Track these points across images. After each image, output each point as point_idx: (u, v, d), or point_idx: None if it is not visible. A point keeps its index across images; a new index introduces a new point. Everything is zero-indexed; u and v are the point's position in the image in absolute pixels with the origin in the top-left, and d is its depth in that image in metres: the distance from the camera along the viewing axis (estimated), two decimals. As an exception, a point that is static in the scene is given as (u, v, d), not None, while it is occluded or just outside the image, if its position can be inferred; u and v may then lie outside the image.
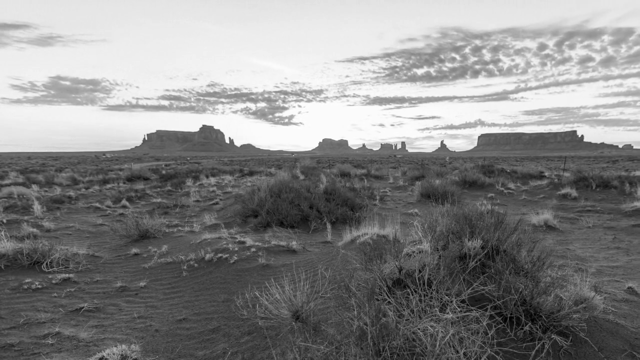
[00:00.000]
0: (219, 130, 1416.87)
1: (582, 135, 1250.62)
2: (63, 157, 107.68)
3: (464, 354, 3.09)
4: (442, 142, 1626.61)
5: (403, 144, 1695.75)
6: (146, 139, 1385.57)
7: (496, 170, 27.01)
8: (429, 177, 23.10)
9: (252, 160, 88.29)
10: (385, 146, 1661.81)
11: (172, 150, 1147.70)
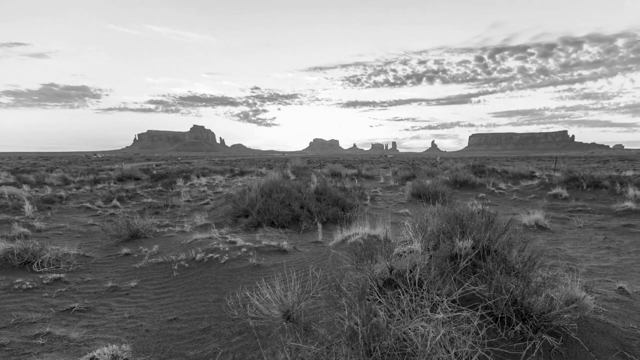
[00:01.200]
0: (209, 130, 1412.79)
1: (573, 135, 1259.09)
2: (54, 157, 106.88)
3: (455, 354, 3.09)
4: (432, 142, 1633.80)
5: (394, 143, 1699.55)
6: (137, 139, 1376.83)
7: (487, 170, 27.06)
8: (420, 177, 23.10)
9: (242, 160, 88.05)
10: (376, 146, 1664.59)
11: (163, 150, 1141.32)
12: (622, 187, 16.80)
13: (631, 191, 15.33)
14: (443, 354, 3.02)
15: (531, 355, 3.47)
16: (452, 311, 3.47)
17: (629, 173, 22.37)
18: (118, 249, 9.10)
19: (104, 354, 4.00)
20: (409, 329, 3.19)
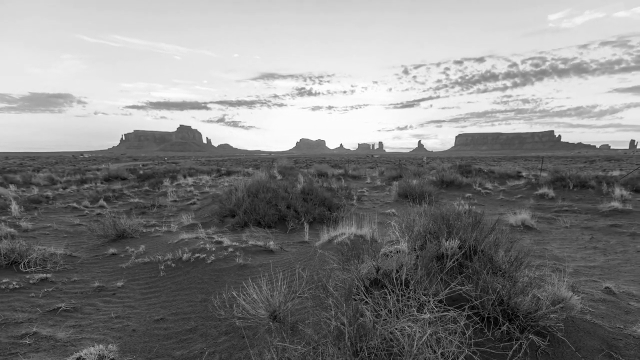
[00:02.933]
0: (196, 130, 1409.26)
1: (560, 136, 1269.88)
2: (41, 157, 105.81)
3: (442, 354, 3.09)
4: (419, 141, 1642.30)
5: (380, 143, 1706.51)
6: (124, 139, 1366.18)
7: (473, 170, 27.14)
8: (407, 177, 23.12)
9: (229, 160, 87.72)
10: (362, 146, 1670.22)
11: (150, 151, 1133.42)
12: (608, 187, 17.00)
13: (618, 191, 15.51)
14: (430, 354, 3.01)
15: (518, 355, 3.47)
16: (438, 311, 3.46)
17: (616, 173, 22.62)
18: (105, 249, 9.05)
19: (91, 354, 3.99)
20: (396, 329, 3.18)
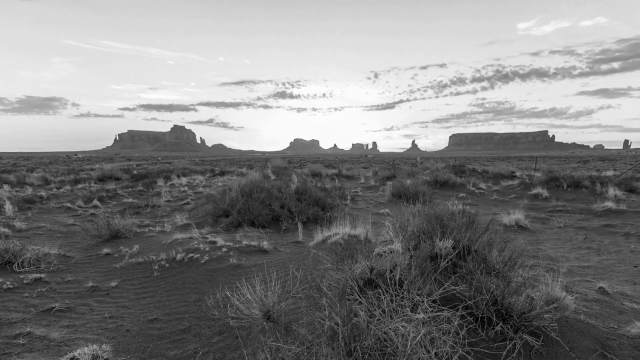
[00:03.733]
0: (190, 130, 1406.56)
1: (553, 135, 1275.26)
2: (34, 157, 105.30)
3: (436, 354, 3.09)
4: (413, 141, 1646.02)
5: (374, 143, 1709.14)
6: (117, 139, 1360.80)
7: (467, 170, 27.17)
8: (400, 177, 23.12)
9: (223, 160, 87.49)
10: (356, 146, 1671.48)
11: (144, 150, 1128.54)
12: (602, 187, 17.09)
13: (611, 191, 15.59)
14: (423, 354, 3.01)
15: (511, 355, 3.48)
16: (432, 311, 3.46)
17: (609, 173, 22.72)
18: (98, 248, 9.00)
19: (85, 354, 3.98)
20: (390, 329, 3.18)
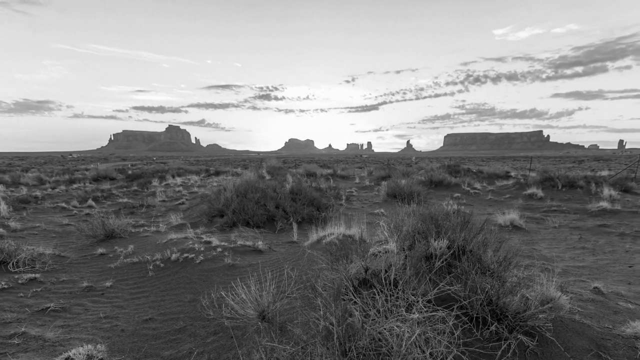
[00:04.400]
0: (185, 130, 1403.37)
1: (548, 136, 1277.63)
2: (29, 157, 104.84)
3: (430, 354, 3.08)
4: (408, 141, 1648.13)
5: (369, 143, 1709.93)
6: (112, 139, 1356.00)
7: (462, 170, 27.24)
8: (395, 177, 23.12)
9: (218, 160, 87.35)
10: (351, 146, 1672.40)
11: (139, 150, 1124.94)
12: (597, 187, 17.16)
13: (606, 191, 15.66)
14: (418, 354, 3.01)
15: (506, 355, 3.48)
16: (427, 311, 3.47)
17: (604, 173, 22.82)
18: (93, 249, 8.98)
19: (80, 354, 3.98)
20: (385, 329, 3.18)
